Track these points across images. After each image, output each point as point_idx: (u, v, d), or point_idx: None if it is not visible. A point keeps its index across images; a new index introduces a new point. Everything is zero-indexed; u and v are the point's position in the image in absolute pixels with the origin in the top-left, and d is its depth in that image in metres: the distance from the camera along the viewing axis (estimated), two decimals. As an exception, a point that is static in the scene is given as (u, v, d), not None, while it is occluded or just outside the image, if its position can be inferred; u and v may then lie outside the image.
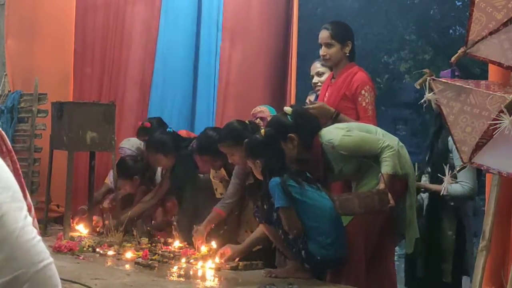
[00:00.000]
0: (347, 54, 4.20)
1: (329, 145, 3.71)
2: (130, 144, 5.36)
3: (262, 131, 3.88)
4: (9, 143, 0.98)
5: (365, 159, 3.68)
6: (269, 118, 4.38)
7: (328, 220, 3.63)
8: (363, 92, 4.06)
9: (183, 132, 5.32)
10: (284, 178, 3.57)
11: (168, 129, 4.92)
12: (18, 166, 0.97)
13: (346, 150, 3.68)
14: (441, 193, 3.86)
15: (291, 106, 4.03)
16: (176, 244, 4.36)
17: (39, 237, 0.90)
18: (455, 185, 4.11)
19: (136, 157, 5.15)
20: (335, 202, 3.59)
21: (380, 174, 3.58)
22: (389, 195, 3.50)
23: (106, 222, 4.89)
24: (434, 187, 4.09)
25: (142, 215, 5.07)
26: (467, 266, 4.24)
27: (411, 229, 3.75)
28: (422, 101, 3.13)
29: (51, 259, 0.90)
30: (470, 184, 4.09)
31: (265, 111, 4.81)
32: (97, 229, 4.93)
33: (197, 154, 4.51)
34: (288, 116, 3.83)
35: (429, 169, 4.29)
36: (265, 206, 3.69)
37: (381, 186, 3.54)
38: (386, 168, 3.62)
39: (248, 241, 4.02)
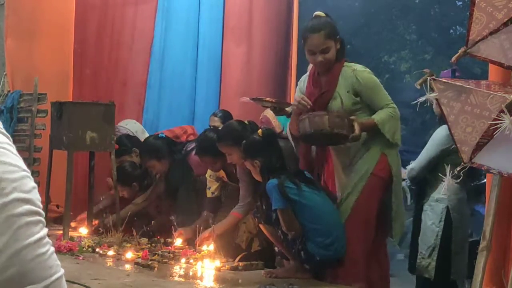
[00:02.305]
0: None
1: (349, 68, 3.72)
2: (125, 123, 5.58)
3: (260, 131, 3.88)
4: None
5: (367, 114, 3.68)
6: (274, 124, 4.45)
7: (327, 221, 3.62)
8: None
9: (189, 128, 5.35)
10: (282, 179, 3.57)
11: (160, 135, 4.96)
12: None
13: (363, 80, 3.69)
14: (441, 191, 3.97)
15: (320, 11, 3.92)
16: (176, 244, 4.36)
17: (52, 249, 0.89)
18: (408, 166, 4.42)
19: (135, 164, 5.16)
20: (304, 120, 3.59)
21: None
22: (357, 126, 3.55)
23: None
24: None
25: (135, 216, 5.08)
26: (452, 267, 4.23)
27: (398, 220, 3.74)
28: (421, 100, 3.12)
29: (61, 272, 0.89)
30: (413, 165, 4.36)
31: (270, 117, 4.76)
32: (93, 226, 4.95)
33: (197, 156, 4.52)
34: (329, 19, 3.81)
35: None
36: (264, 207, 3.69)
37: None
38: (376, 115, 3.66)
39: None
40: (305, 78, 3.99)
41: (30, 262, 0.85)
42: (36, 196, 0.89)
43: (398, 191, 3.74)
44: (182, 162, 4.75)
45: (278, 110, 4.05)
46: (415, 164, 4.37)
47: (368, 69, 3.81)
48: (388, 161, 3.70)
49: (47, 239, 0.88)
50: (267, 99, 4.32)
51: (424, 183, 4.38)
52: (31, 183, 0.89)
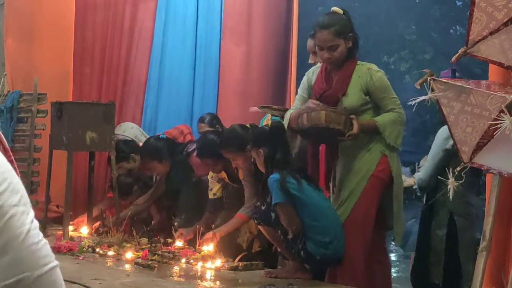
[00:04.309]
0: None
1: (364, 66, 3.73)
2: (122, 130, 5.54)
3: (270, 122, 3.90)
4: (5, 142, 0.98)
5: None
6: None
7: (326, 219, 3.63)
8: None
9: (184, 128, 5.35)
10: (284, 174, 3.57)
11: (161, 136, 4.96)
12: (16, 165, 0.96)
13: (376, 79, 3.70)
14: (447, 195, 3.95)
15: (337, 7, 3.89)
16: (176, 244, 4.36)
17: (45, 240, 0.90)
18: (416, 174, 4.36)
19: (125, 174, 5.16)
20: (302, 115, 3.57)
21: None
22: (355, 124, 3.55)
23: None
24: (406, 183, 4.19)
25: (134, 216, 5.08)
26: (463, 273, 4.19)
27: (399, 222, 3.74)
28: (418, 100, 3.13)
29: (56, 263, 0.90)
30: (421, 175, 4.24)
31: None
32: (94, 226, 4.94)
33: (198, 158, 4.51)
34: (343, 16, 3.79)
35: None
36: (262, 207, 3.69)
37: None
38: (378, 117, 3.67)
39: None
40: (315, 69, 3.97)
41: (23, 250, 0.86)
42: (23, 188, 0.91)
43: (398, 193, 3.74)
44: (184, 163, 4.74)
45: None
46: (423, 174, 4.28)
47: (382, 71, 3.82)
48: (389, 162, 3.70)
49: (38, 230, 0.89)
50: (275, 107, 4.30)
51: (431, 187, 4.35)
52: (17, 176, 0.91)
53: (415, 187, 4.45)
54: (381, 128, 3.65)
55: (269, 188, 3.60)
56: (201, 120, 5.42)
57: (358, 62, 3.78)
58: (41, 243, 0.89)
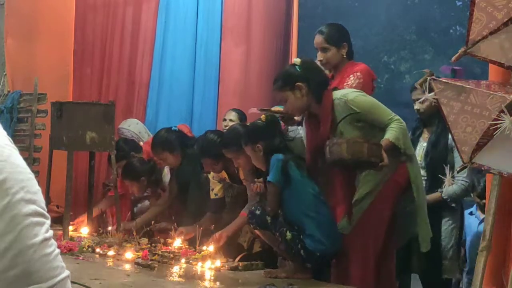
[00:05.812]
0: (344, 56, 4.12)
1: (341, 100, 3.64)
2: (127, 124, 5.57)
3: (263, 116, 3.91)
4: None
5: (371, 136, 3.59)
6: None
7: (321, 212, 3.66)
8: (350, 76, 4.00)
9: (183, 127, 5.35)
10: (287, 158, 3.62)
11: (173, 128, 4.96)
12: None
13: (358, 107, 3.61)
14: (443, 197, 3.90)
15: (300, 57, 3.93)
16: (176, 244, 4.36)
17: (57, 250, 0.90)
18: (452, 186, 4.14)
19: (143, 159, 5.15)
20: (341, 144, 3.48)
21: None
22: (384, 154, 3.43)
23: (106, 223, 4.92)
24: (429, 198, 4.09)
25: (133, 216, 5.07)
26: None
27: (424, 227, 3.66)
28: (422, 99, 3.14)
29: (66, 273, 0.90)
30: (467, 181, 4.16)
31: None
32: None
33: (199, 157, 4.51)
34: (297, 67, 3.77)
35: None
36: (257, 212, 3.68)
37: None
38: (389, 134, 3.56)
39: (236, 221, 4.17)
40: (301, 130, 3.99)
41: (35, 262, 0.85)
42: (41, 198, 0.90)
43: (421, 199, 3.66)
44: (194, 156, 4.70)
45: (287, 120, 4.03)
46: (465, 181, 4.18)
47: (359, 92, 3.72)
48: (407, 167, 3.65)
49: (52, 240, 0.89)
50: (275, 109, 4.31)
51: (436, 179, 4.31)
52: (37, 185, 0.90)
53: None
54: (398, 144, 3.56)
55: (270, 165, 3.65)
56: (233, 109, 5.49)
57: (333, 96, 3.69)
58: (53, 254, 0.88)
